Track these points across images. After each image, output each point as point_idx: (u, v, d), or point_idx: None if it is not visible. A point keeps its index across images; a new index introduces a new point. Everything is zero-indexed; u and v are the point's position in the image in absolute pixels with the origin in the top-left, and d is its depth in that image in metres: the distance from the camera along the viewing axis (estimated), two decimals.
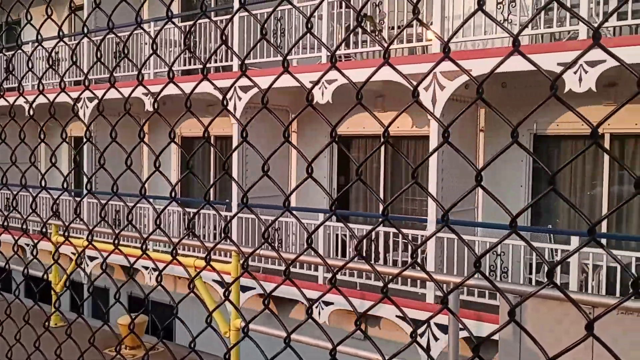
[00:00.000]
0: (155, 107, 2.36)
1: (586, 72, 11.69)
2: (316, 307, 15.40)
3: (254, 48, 2.30)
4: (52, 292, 9.62)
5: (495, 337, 7.83)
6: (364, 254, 15.95)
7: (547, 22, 13.36)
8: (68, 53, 22.62)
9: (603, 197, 14.53)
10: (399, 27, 15.90)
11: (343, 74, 2.09)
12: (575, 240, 12.58)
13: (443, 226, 1.85)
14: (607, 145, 14.39)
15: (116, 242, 2.44)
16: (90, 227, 2.71)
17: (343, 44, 15.73)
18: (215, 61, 18.30)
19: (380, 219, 2.03)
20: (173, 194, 2.32)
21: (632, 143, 14.45)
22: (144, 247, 2.37)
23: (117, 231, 2.65)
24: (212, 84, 2.37)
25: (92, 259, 19.67)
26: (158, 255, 9.80)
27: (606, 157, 14.42)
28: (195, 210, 13.70)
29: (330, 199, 2.10)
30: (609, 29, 13.24)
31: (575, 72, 11.79)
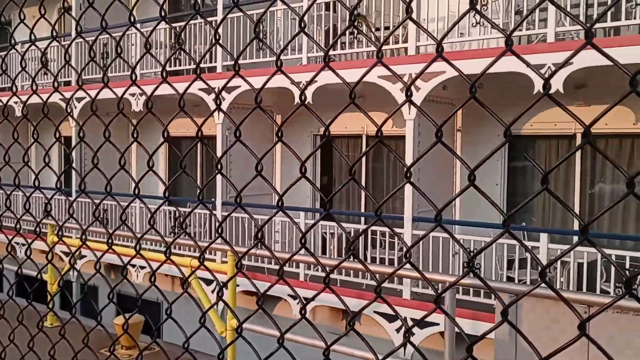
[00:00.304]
0: (149, 106, 2.28)
1: (546, 73, 11.72)
2: (298, 303, 15.35)
3: (246, 48, 2.23)
4: (47, 293, 9.51)
5: (491, 335, 7.79)
6: (345, 251, 15.95)
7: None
8: (56, 53, 22.47)
9: (575, 196, 14.53)
10: (377, 29, 15.91)
11: (337, 74, 2.04)
12: (544, 237, 12.56)
13: (436, 226, 1.80)
14: (578, 144, 14.42)
15: (109, 242, 2.37)
16: (81, 226, 2.64)
17: (324, 45, 15.69)
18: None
19: (375, 219, 1.97)
20: (167, 194, 2.25)
21: (603, 143, 14.47)
22: (137, 247, 2.30)
23: (106, 230, 2.58)
24: (207, 83, 2.30)
25: (80, 257, 19.51)
26: (152, 254, 9.67)
27: (578, 157, 14.45)
28: (183, 209, 13.63)
29: (325, 199, 2.03)
30: (578, 32, 13.29)
31: (543, 74, 11.83)
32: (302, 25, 2.07)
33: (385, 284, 14.07)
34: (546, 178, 1.53)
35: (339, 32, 16.00)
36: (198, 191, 2.25)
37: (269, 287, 2.23)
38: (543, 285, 1.61)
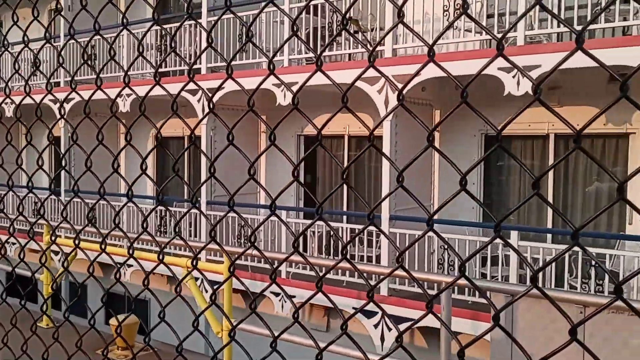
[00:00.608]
0: (143, 110, 2.22)
1: (523, 76, 11.74)
2: (279, 300, 15.30)
3: (240, 50, 2.19)
4: (40, 294, 9.37)
5: (487, 337, 7.71)
6: (325, 249, 15.94)
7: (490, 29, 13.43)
8: (46, 55, 22.26)
9: (548, 197, 14.52)
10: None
11: (330, 79, 1.99)
12: (514, 235, 12.54)
13: (428, 230, 1.76)
14: (552, 144, 14.48)
15: (103, 246, 2.30)
16: (75, 230, 2.58)
17: (304, 48, 15.62)
18: (181, 64, 18.09)
19: (368, 223, 1.92)
20: (161, 197, 2.19)
21: None
22: (131, 251, 2.24)
23: (99, 233, 2.51)
24: (199, 86, 2.24)
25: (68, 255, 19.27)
26: (145, 254, 9.52)
27: (551, 158, 14.48)
28: (173, 209, 13.50)
29: (318, 203, 1.98)
30: (549, 34, 13.33)
31: (513, 77, 11.95)
32: (295, 29, 2.02)
33: (362, 280, 14.05)
34: (537, 183, 1.50)
35: (319, 35, 15.94)
36: (190, 193, 2.20)
37: (264, 290, 2.18)
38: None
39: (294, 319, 2.01)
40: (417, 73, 1.95)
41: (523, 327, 5.94)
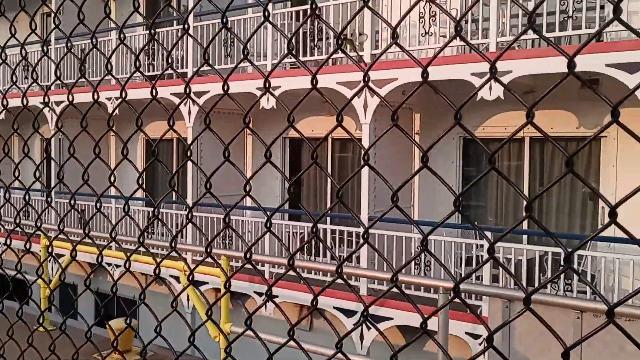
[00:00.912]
0: (139, 124, 2.17)
1: (495, 81, 11.83)
2: (263, 299, 15.20)
3: (235, 68, 2.14)
4: (32, 301, 9.24)
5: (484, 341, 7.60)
6: (306, 249, 15.86)
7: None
8: (37, 58, 22.07)
9: (523, 204, 14.51)
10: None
11: (322, 94, 1.96)
12: (487, 235, 12.51)
13: (422, 251, 1.73)
14: (527, 147, 14.52)
15: (99, 259, 2.25)
16: (72, 242, 2.53)
17: (289, 52, 15.57)
18: (167, 68, 17.92)
19: (362, 242, 1.89)
20: (157, 211, 2.15)
21: (551, 145, 14.56)
22: (127, 264, 2.19)
23: (95, 245, 2.46)
24: (196, 102, 2.20)
25: (60, 256, 19.03)
26: (141, 257, 9.33)
27: (526, 164, 14.53)
28: (164, 210, 13.29)
29: (312, 219, 1.95)
30: (524, 41, 13.36)
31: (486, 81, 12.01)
32: (290, 47, 1.99)
33: (340, 280, 14.02)
34: (530, 205, 1.47)
35: (301, 41, 15.87)
36: (189, 210, 2.15)
37: (257, 309, 2.14)
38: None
39: (289, 336, 1.98)
40: (409, 96, 1.94)
41: (520, 333, 5.93)
